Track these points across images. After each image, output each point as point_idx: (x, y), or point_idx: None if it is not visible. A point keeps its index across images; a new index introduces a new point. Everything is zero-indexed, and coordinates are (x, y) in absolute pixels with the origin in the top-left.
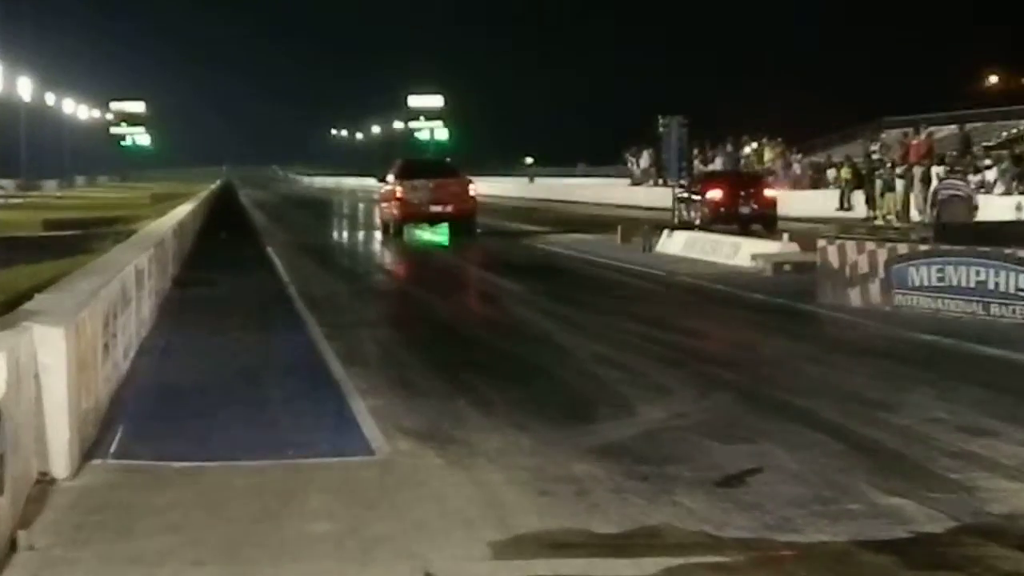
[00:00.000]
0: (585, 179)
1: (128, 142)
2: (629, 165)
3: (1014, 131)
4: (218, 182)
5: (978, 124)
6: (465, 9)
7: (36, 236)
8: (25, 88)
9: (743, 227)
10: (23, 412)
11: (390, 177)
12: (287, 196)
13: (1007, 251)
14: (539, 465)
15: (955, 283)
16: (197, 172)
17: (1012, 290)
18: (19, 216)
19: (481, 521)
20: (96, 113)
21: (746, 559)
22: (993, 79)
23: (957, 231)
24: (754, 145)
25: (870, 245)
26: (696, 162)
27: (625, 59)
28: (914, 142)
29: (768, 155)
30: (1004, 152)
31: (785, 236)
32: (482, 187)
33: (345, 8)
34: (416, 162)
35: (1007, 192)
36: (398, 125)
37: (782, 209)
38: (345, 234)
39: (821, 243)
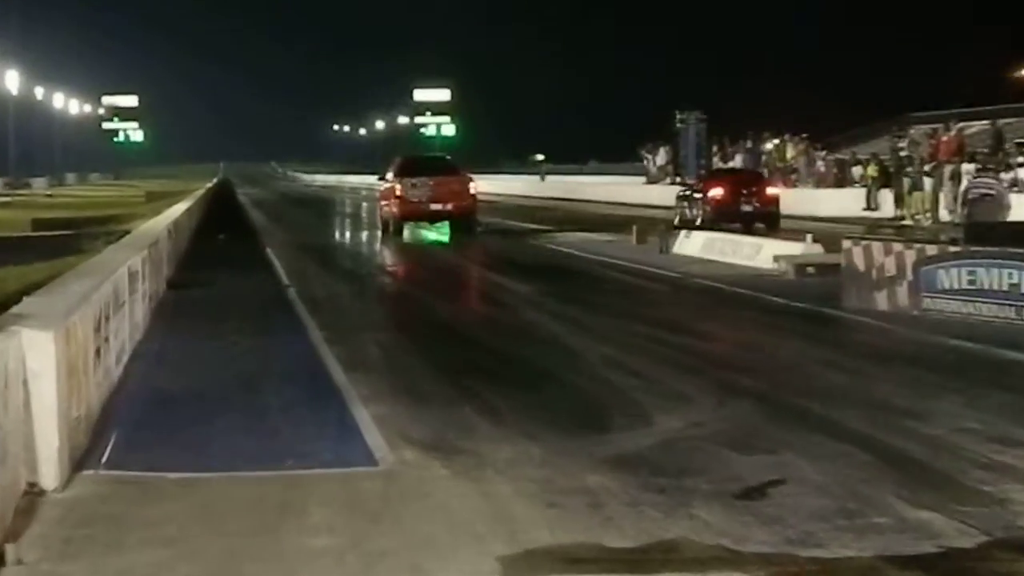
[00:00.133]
0: (598, 177)
1: (121, 138)
2: (645, 162)
3: None
4: (215, 180)
5: (1011, 120)
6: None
7: (25, 236)
8: (13, 81)
9: (746, 226)
10: (11, 420)
11: (389, 175)
12: (286, 194)
13: None
14: (550, 476)
15: (986, 286)
16: (193, 169)
17: None
18: (7, 215)
19: (490, 535)
20: (87, 107)
21: (767, 575)
22: None
23: (988, 231)
24: (776, 141)
25: (897, 246)
26: (716, 159)
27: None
28: (943, 138)
29: (790, 152)
30: None
31: (808, 237)
32: (490, 185)
33: None
34: (416, 159)
35: None
36: (403, 120)
37: (805, 208)
38: (347, 234)
39: (846, 244)
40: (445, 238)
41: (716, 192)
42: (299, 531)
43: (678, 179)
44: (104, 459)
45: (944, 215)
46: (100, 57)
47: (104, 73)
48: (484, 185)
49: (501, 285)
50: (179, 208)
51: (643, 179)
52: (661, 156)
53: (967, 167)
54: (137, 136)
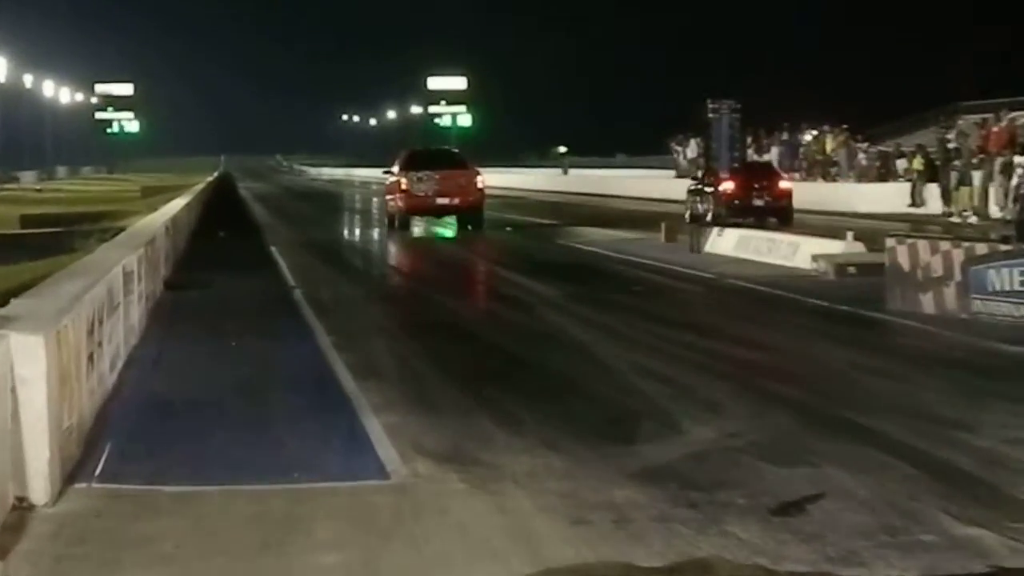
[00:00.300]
0: (625, 171)
1: (115, 129)
2: (674, 155)
3: None
4: (215, 173)
5: None
6: None
7: (12, 234)
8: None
9: (759, 220)
10: None
11: (395, 168)
12: (291, 189)
13: None
14: (573, 490)
15: None
16: (192, 162)
17: None
18: None
19: (509, 553)
20: (79, 96)
21: None
22: None
23: None
24: (814, 133)
25: (944, 245)
26: (750, 152)
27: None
28: (994, 129)
29: (830, 144)
30: None
31: (849, 235)
32: (509, 180)
33: None
34: (422, 152)
35: None
36: (416, 110)
37: (846, 204)
38: (356, 231)
39: (890, 242)
40: (454, 233)
41: (727, 186)
42: (305, 549)
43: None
44: (97, 472)
45: (994, 211)
46: (93, 42)
47: (98, 59)
48: (502, 179)
49: (521, 286)
50: (177, 204)
51: (673, 173)
52: (692, 149)
53: (1019, 160)
54: (132, 127)
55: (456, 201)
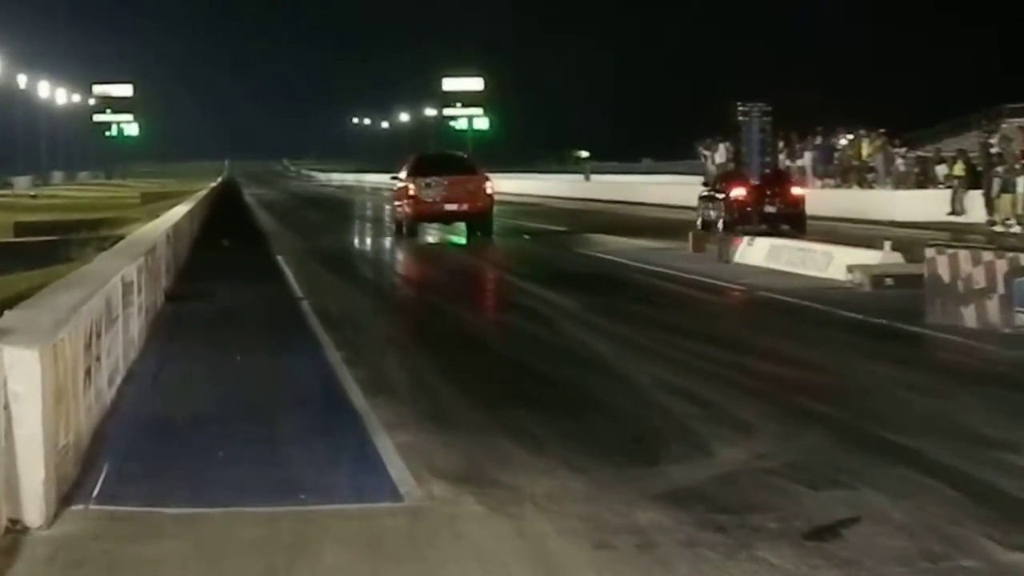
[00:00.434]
0: (650, 176)
1: (113, 132)
2: (703, 160)
3: None
4: (219, 179)
5: None
6: None
7: (6, 242)
8: None
9: (772, 227)
10: None
11: (403, 174)
12: (298, 195)
13: None
14: (596, 513)
15: None
16: (194, 167)
17: None
18: None
19: None
20: (76, 98)
21: None
22: None
23: None
24: (850, 137)
25: (987, 255)
26: (781, 157)
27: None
28: None
29: (866, 149)
30: None
31: (887, 245)
32: (528, 186)
33: None
34: (431, 158)
35: None
36: (430, 112)
37: (882, 212)
38: (367, 239)
39: (929, 253)
40: (465, 240)
41: (738, 192)
42: (314, 574)
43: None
44: (95, 492)
45: None
46: (91, 42)
47: (96, 59)
48: (520, 185)
49: (539, 297)
50: (179, 211)
51: (701, 179)
52: (721, 153)
53: None
54: (132, 130)
55: (465, 207)
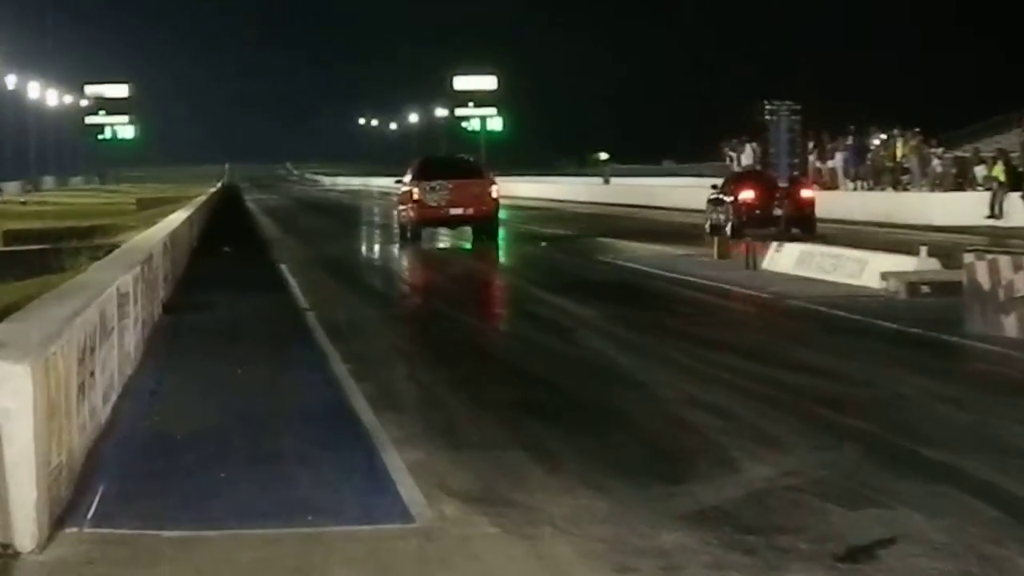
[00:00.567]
0: (673, 179)
1: (107, 134)
2: (728, 162)
3: None
4: (219, 184)
5: None
6: None
7: None
8: None
9: (780, 230)
10: None
11: (407, 177)
12: (302, 200)
13: None
14: (618, 535)
15: None
16: (193, 171)
17: None
18: None
19: None
20: (68, 99)
21: None
22: None
23: None
24: (883, 136)
25: None
26: (811, 158)
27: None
28: None
29: (901, 149)
30: None
31: (923, 250)
32: (544, 189)
33: None
34: (435, 161)
35: None
36: (441, 113)
37: (918, 216)
38: (375, 247)
39: (968, 259)
40: (476, 246)
41: (746, 195)
42: None
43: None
44: (90, 515)
45: None
46: (84, 40)
47: (89, 59)
48: (537, 189)
49: (556, 307)
50: (177, 217)
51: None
52: (747, 154)
53: None
54: (127, 132)
55: (470, 211)
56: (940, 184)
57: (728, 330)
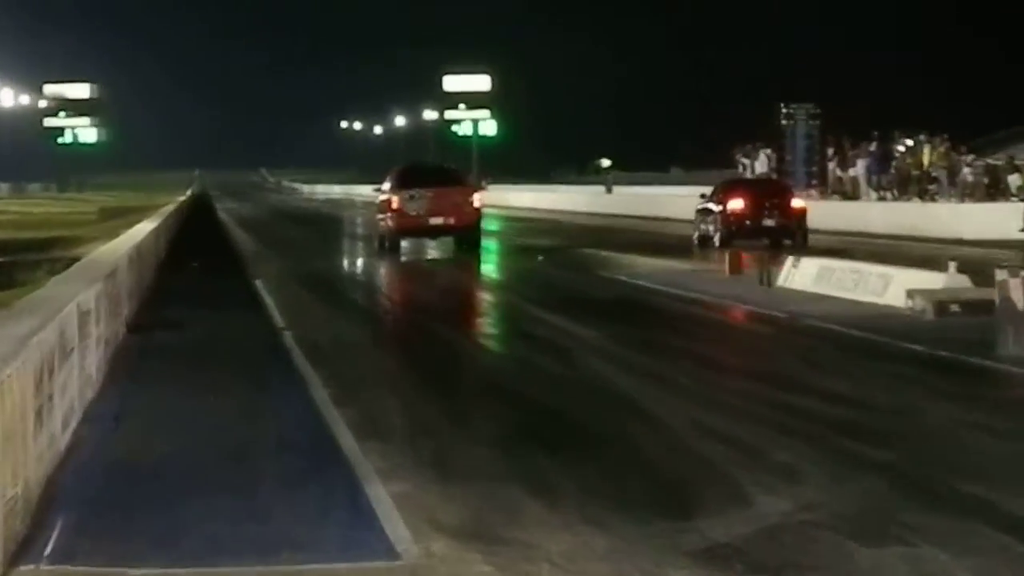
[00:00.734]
0: (680, 188)
1: (68, 138)
2: (740, 169)
3: None
4: (189, 192)
5: None
6: None
7: None
8: None
9: (773, 242)
10: None
11: (386, 186)
12: (280, 210)
13: None
14: (620, 573)
15: None
16: (161, 178)
17: None
18: None
19: None
20: (25, 99)
21: None
22: None
23: None
24: (909, 142)
25: None
26: (831, 165)
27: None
28: None
29: (928, 156)
30: None
31: (952, 266)
32: (543, 199)
33: None
34: (415, 169)
35: None
36: (430, 115)
37: (946, 228)
38: (358, 261)
39: (1000, 275)
40: (481, 266)
41: (735, 205)
42: None
43: None
44: (47, 551)
45: None
46: (43, 35)
47: (49, 57)
48: (534, 199)
49: (555, 326)
50: (143, 229)
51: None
52: (762, 161)
53: None
54: (89, 136)
55: (451, 221)
56: (970, 194)
57: (740, 352)
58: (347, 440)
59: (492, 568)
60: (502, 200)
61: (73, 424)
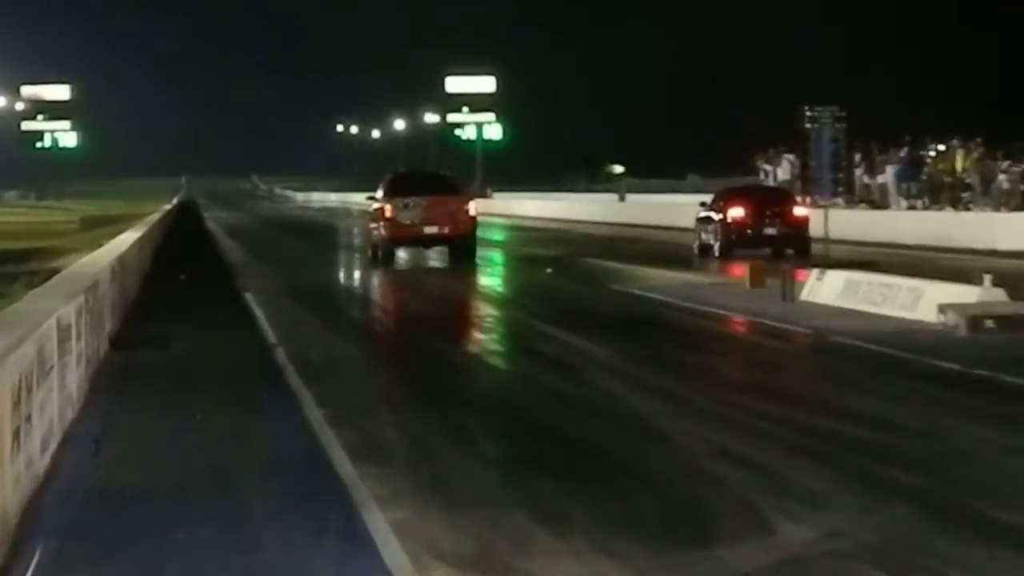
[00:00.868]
0: (697, 196)
1: (47, 143)
2: (763, 176)
3: None
4: (175, 200)
5: None
6: None
7: None
8: None
9: (775, 251)
10: None
11: (379, 194)
12: (271, 219)
13: None
14: None
15: None
16: (146, 186)
17: None
18: None
19: None
20: (2, 101)
21: None
22: None
23: None
24: (941, 148)
25: None
26: (858, 172)
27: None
28: None
29: (961, 162)
30: None
31: (987, 279)
32: (552, 208)
33: None
34: (409, 176)
35: None
36: (432, 119)
37: (980, 239)
38: (354, 273)
39: None
40: (486, 279)
41: (736, 213)
42: None
43: (807, 200)
44: None
45: None
46: (20, 34)
47: (27, 58)
48: (542, 208)
49: (564, 343)
50: (127, 239)
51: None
52: (784, 168)
53: None
54: (69, 140)
55: (445, 230)
56: (1006, 202)
57: (762, 371)
58: (343, 463)
59: None
60: (508, 208)
61: (52, 446)
